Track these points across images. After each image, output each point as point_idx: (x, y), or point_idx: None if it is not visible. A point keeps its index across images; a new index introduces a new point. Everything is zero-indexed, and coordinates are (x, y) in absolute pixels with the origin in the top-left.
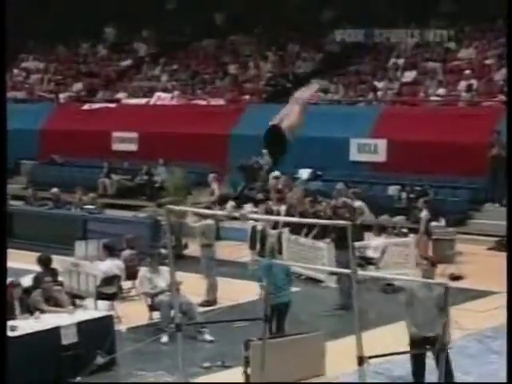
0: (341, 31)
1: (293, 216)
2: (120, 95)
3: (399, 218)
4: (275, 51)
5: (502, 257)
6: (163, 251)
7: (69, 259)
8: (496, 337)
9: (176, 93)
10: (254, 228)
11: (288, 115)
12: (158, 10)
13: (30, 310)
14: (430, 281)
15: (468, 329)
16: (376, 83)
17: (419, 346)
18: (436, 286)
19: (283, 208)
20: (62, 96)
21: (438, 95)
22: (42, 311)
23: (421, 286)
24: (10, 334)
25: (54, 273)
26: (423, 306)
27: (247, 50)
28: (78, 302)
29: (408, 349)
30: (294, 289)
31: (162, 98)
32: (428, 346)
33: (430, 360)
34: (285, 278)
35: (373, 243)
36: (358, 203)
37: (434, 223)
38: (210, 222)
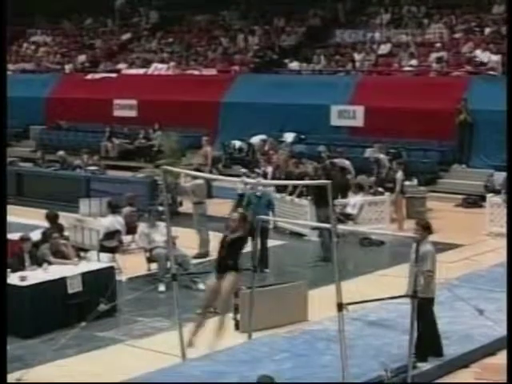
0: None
1: (279, 176)
2: (120, 66)
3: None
4: (262, 26)
5: (468, 213)
6: (160, 208)
7: (74, 215)
8: (462, 285)
9: (172, 64)
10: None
11: None
12: None
13: (38, 262)
14: (401, 234)
15: (437, 278)
16: (354, 55)
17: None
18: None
19: (270, 169)
20: (67, 67)
21: (410, 66)
22: (50, 263)
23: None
24: (20, 283)
25: (60, 228)
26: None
27: (237, 24)
28: (82, 254)
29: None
30: (280, 242)
31: (158, 68)
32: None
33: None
34: (266, 206)
35: (351, 201)
36: (347, 162)
37: (407, 182)
38: (199, 181)
